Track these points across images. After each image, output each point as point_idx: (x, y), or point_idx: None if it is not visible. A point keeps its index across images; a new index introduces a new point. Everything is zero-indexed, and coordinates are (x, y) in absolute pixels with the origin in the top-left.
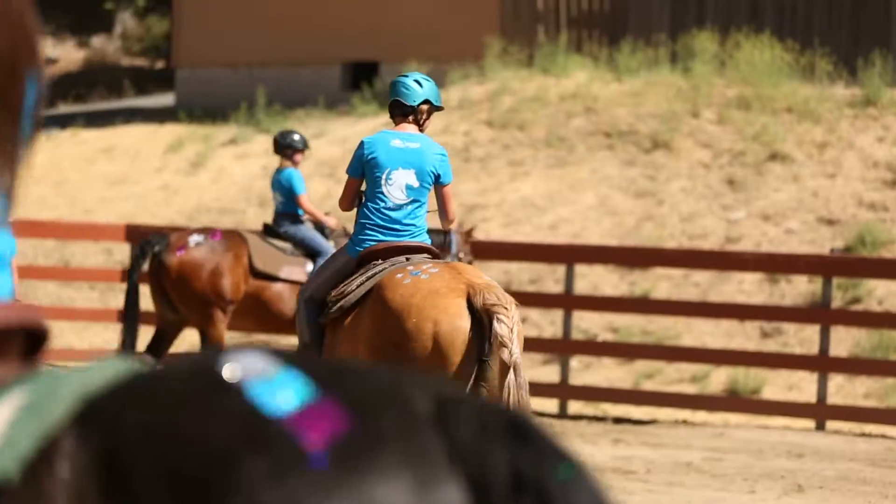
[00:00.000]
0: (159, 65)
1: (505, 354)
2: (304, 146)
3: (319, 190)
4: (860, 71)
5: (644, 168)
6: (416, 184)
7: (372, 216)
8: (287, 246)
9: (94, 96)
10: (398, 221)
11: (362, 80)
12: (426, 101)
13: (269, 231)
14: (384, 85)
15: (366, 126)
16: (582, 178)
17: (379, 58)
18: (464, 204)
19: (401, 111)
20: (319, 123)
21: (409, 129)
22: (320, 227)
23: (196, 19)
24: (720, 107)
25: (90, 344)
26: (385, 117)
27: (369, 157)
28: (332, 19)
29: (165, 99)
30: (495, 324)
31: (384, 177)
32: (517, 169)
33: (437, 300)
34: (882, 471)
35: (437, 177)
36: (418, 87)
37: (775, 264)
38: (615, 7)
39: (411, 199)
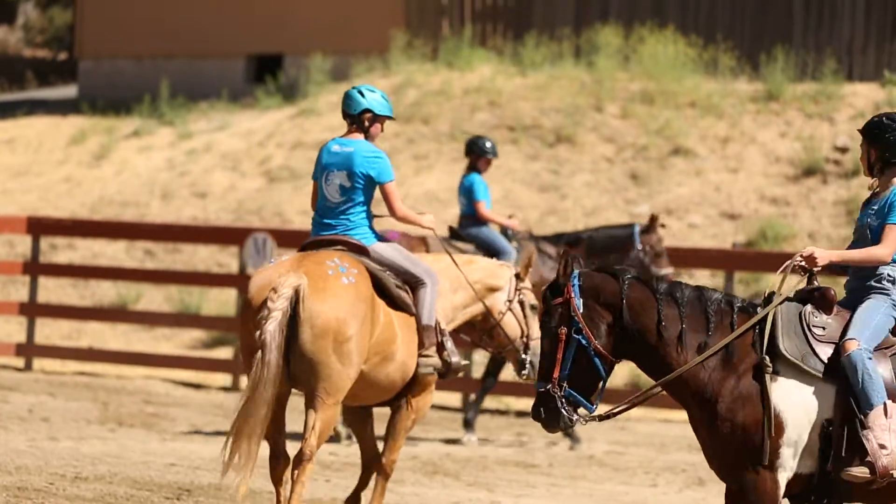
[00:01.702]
0: (62, 56)
1: (256, 334)
2: (494, 154)
3: (222, 182)
4: (763, 66)
5: (548, 162)
6: (347, 184)
7: (316, 213)
8: (470, 247)
9: None
10: (333, 218)
11: (266, 72)
12: (367, 111)
13: (453, 234)
14: (288, 78)
15: (270, 119)
16: (486, 173)
17: (283, 50)
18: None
19: (348, 119)
20: (223, 116)
21: (354, 135)
22: (504, 229)
23: (99, 10)
24: (624, 101)
25: None
26: (289, 110)
27: (317, 161)
28: (236, 11)
29: (68, 91)
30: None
31: (323, 178)
32: (421, 163)
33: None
34: None
35: (370, 177)
36: (360, 97)
37: (678, 258)
38: (519, 1)
39: (345, 198)
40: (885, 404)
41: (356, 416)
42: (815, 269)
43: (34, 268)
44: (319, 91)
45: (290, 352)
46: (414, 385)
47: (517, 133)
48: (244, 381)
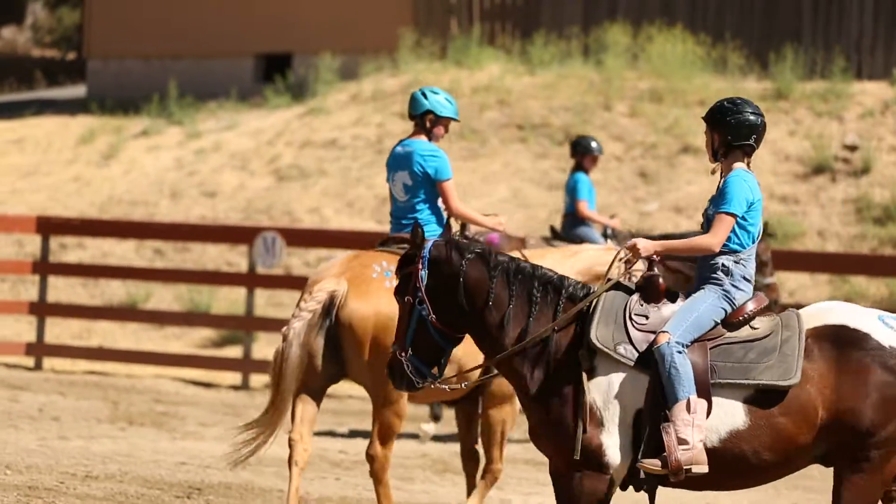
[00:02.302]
0: (71, 56)
1: (282, 329)
2: (599, 152)
3: (231, 182)
4: (772, 65)
5: (557, 161)
6: (409, 182)
7: (391, 214)
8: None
9: (4, 87)
10: (403, 216)
11: (275, 71)
12: (429, 112)
13: (553, 233)
14: (297, 76)
15: (278, 118)
16: (495, 171)
17: (292, 49)
18: (377, 196)
19: (413, 121)
20: (232, 115)
21: (417, 136)
22: (605, 228)
23: (108, 10)
24: (632, 100)
25: (1, 336)
26: (297, 109)
27: (386, 164)
28: (244, 11)
29: (77, 90)
30: None
31: (391, 179)
32: None
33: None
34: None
35: (428, 175)
36: (423, 99)
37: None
38: (528, 0)
39: (409, 196)
40: (689, 399)
41: (463, 414)
42: (654, 259)
43: (44, 267)
44: (328, 90)
45: (336, 356)
46: (493, 389)
47: (526, 132)
48: (253, 379)
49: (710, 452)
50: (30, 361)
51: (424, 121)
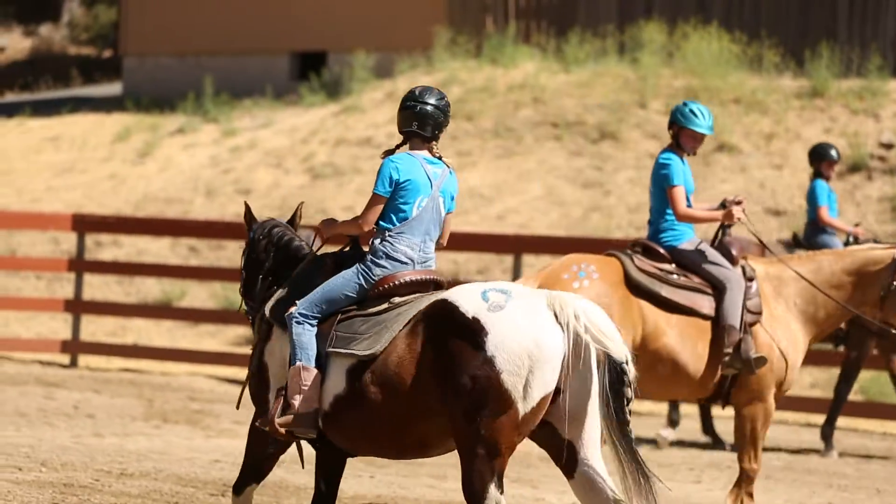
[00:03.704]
0: (107, 54)
1: None
2: (838, 159)
3: (266, 180)
4: (807, 62)
5: (591, 159)
6: (654, 191)
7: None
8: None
9: (40, 85)
10: (651, 221)
11: (310, 69)
12: (671, 124)
13: (795, 241)
14: (332, 75)
15: (314, 116)
16: (529, 169)
17: (327, 47)
18: None
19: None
20: (267, 113)
21: (670, 147)
22: (848, 237)
23: (143, 8)
24: (668, 98)
25: (36, 334)
26: (332, 107)
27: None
28: (280, 8)
29: (113, 88)
30: None
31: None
32: (465, 159)
33: None
34: (826, 461)
35: (659, 182)
36: (675, 112)
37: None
38: None
39: (653, 205)
40: (300, 366)
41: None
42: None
43: (79, 265)
44: (363, 88)
45: None
46: (741, 389)
47: (561, 130)
48: None
49: (327, 417)
50: (65, 359)
51: (670, 133)
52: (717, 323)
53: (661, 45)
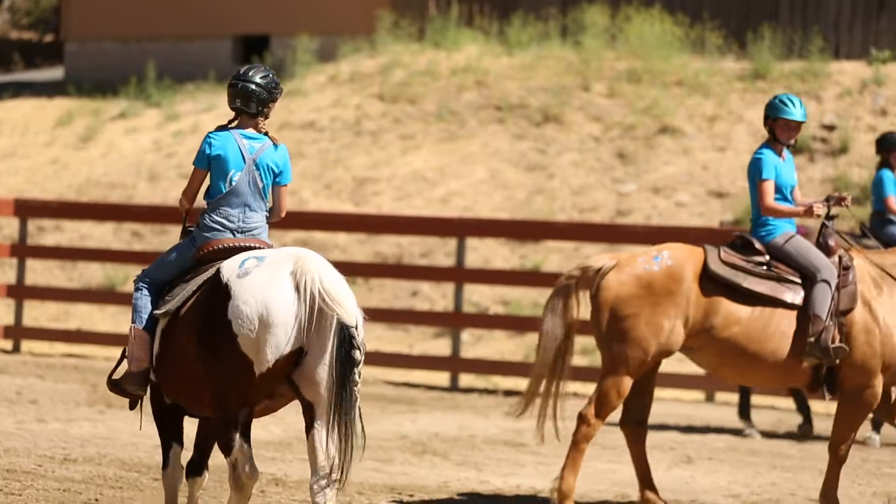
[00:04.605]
0: (48, 38)
1: None
2: None
3: None
4: (749, 45)
5: (535, 141)
6: (749, 185)
7: None
8: (874, 244)
9: None
10: (753, 218)
11: (253, 53)
12: (766, 117)
13: (862, 231)
14: (274, 58)
15: None
16: (473, 152)
17: (270, 31)
18: (355, 178)
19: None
20: (210, 97)
21: (769, 143)
22: None
23: None
24: (610, 80)
25: None
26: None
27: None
28: None
29: (55, 73)
30: None
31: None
32: (408, 143)
33: None
34: (770, 442)
35: (752, 177)
36: (776, 102)
37: (665, 237)
38: None
39: (751, 199)
40: (133, 328)
41: (884, 404)
42: None
43: (21, 250)
44: (306, 72)
45: None
46: (846, 376)
47: (504, 113)
48: None
49: (156, 374)
50: (7, 344)
51: (766, 125)
52: (804, 312)
53: (604, 27)
